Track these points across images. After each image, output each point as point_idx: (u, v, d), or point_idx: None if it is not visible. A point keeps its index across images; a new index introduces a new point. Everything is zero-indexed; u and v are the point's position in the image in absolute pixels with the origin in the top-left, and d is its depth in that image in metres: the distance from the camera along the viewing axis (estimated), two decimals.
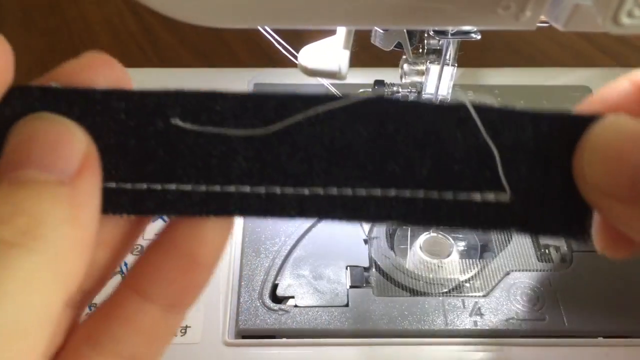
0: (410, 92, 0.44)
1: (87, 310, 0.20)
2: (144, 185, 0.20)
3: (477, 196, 0.21)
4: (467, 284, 0.39)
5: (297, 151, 0.21)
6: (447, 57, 0.38)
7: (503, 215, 0.21)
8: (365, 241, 0.42)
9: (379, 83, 0.45)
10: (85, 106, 0.20)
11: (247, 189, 0.21)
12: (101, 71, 0.19)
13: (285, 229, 0.42)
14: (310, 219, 0.21)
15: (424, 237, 0.41)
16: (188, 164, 0.20)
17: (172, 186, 0.20)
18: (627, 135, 0.18)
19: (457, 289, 0.39)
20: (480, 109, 0.20)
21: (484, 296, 0.38)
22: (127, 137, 0.20)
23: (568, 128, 0.21)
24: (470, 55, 0.41)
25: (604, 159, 0.18)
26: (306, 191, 0.21)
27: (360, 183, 0.21)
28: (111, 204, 0.20)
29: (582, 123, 0.20)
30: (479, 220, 0.21)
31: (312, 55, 0.35)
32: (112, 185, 0.20)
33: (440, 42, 0.38)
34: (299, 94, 0.20)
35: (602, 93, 0.20)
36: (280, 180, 0.21)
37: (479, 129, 0.20)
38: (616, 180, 0.18)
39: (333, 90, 0.42)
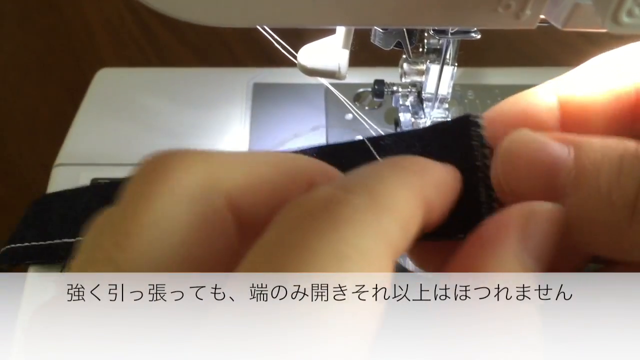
0: (410, 91, 0.44)
1: None
2: None
3: None
4: None
5: None
6: (447, 56, 0.38)
7: None
8: None
9: (379, 83, 0.45)
10: None
11: None
12: None
13: None
14: None
15: None
16: None
17: None
18: (536, 141, 0.19)
19: None
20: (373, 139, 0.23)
21: None
22: None
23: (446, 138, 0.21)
24: (471, 54, 0.40)
25: (517, 167, 0.19)
26: None
27: None
28: None
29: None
30: None
31: (311, 54, 0.35)
32: None
33: (441, 41, 0.38)
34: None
35: (525, 106, 0.21)
36: None
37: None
38: (532, 184, 0.19)
39: (333, 90, 0.42)
